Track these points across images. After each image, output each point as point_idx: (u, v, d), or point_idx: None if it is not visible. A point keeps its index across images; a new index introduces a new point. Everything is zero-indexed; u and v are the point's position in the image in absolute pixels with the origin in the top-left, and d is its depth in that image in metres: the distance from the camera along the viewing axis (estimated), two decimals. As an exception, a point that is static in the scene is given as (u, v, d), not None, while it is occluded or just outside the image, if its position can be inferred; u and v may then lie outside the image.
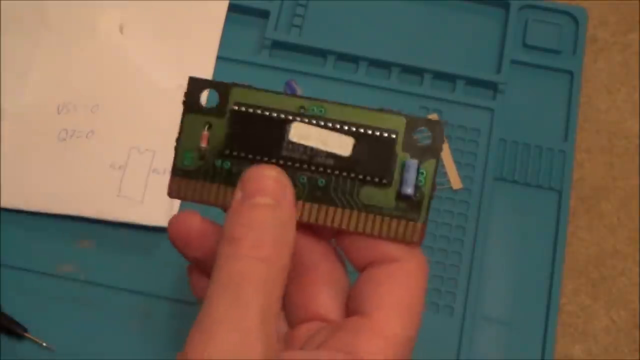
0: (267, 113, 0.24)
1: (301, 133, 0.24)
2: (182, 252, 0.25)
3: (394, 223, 0.23)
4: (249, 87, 0.24)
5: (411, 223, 0.23)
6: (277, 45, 0.46)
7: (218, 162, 0.24)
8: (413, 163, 0.23)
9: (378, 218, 0.23)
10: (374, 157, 0.24)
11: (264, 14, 0.46)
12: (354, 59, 0.46)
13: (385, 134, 0.24)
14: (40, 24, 0.46)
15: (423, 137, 0.24)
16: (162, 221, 0.41)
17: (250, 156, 0.24)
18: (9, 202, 0.42)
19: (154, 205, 0.41)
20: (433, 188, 0.23)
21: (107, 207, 0.41)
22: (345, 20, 0.47)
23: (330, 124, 0.24)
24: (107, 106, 0.44)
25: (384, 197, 0.24)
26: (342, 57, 0.46)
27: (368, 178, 0.24)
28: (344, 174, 0.24)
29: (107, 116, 0.43)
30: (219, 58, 0.45)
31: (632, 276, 0.43)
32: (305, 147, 0.24)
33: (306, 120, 0.24)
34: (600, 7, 0.48)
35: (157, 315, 0.41)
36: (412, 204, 0.23)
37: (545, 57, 0.46)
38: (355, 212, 0.23)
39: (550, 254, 0.42)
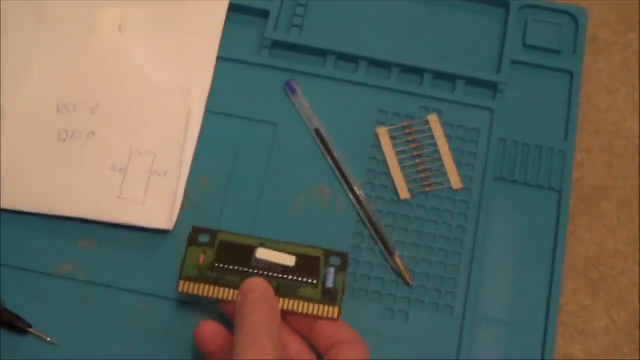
0: (241, 244, 0.39)
1: (263, 253, 0.39)
2: (200, 347, 0.37)
3: (322, 307, 0.38)
4: (230, 232, 0.40)
5: (331, 307, 0.38)
6: (277, 45, 0.46)
7: (209, 273, 0.39)
8: (331, 271, 0.39)
9: (311, 305, 0.38)
10: (307, 269, 0.39)
11: (264, 14, 0.46)
12: (354, 59, 0.46)
13: (314, 257, 0.39)
14: (40, 23, 0.46)
15: (336, 260, 0.39)
16: (163, 223, 0.41)
17: (230, 267, 0.39)
18: (9, 204, 0.42)
19: (155, 207, 0.41)
20: (343, 291, 0.39)
21: (108, 209, 0.41)
22: (345, 20, 0.47)
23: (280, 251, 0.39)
24: (108, 106, 0.44)
25: (314, 292, 0.38)
26: (342, 57, 0.46)
27: (304, 280, 0.39)
28: (290, 277, 0.39)
29: (108, 117, 0.43)
30: (219, 58, 0.45)
31: (632, 276, 0.43)
32: (266, 261, 0.39)
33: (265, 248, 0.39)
34: (600, 7, 0.48)
35: (157, 315, 0.41)
36: (332, 296, 0.38)
37: (545, 57, 0.46)
38: (297, 301, 0.38)
39: (550, 254, 0.42)
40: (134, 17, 0.46)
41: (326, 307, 0.38)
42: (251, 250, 0.39)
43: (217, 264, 0.39)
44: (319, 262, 0.39)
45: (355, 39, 0.46)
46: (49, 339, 0.40)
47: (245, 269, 0.39)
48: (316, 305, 0.38)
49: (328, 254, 0.39)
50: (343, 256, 0.39)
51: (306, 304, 0.38)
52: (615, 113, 0.47)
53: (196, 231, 0.40)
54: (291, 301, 0.38)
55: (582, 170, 0.45)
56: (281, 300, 0.38)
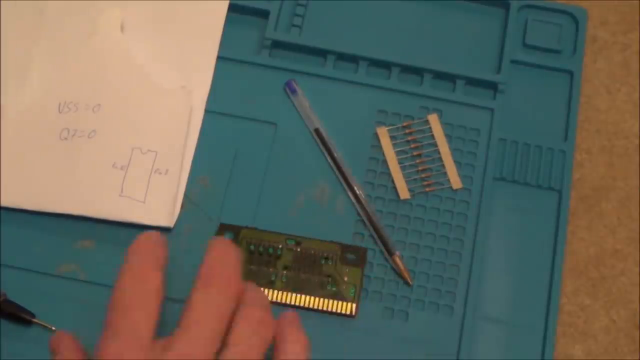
0: (264, 243, 0.41)
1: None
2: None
3: (337, 304, 0.40)
4: (253, 228, 0.41)
5: (347, 303, 0.40)
6: (277, 45, 0.46)
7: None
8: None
9: (327, 301, 0.40)
10: (323, 264, 0.41)
11: (264, 14, 0.46)
12: (354, 59, 0.46)
13: (331, 252, 0.41)
14: (41, 22, 0.46)
15: (352, 257, 0.41)
16: (163, 221, 0.41)
17: (252, 267, 0.41)
18: (10, 202, 0.42)
19: (156, 205, 0.41)
20: (361, 286, 0.41)
21: (109, 207, 0.41)
22: (345, 20, 0.47)
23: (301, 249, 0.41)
24: (109, 106, 0.44)
25: (330, 289, 0.41)
26: (342, 57, 0.46)
27: (320, 275, 0.41)
28: (306, 273, 0.41)
29: (109, 116, 0.43)
30: (219, 58, 0.45)
31: (632, 276, 0.43)
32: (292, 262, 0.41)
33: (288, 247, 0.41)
34: (600, 7, 0.48)
35: (157, 315, 0.41)
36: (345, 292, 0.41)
37: (545, 57, 0.46)
38: (313, 298, 0.40)
39: (550, 254, 0.42)
40: (134, 16, 0.46)
41: (342, 304, 0.40)
42: (275, 249, 0.41)
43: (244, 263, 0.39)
44: (336, 258, 0.41)
45: (355, 39, 0.46)
46: (53, 328, 0.40)
47: (271, 269, 0.41)
48: (332, 302, 0.40)
49: (345, 248, 0.41)
50: (360, 251, 0.41)
51: (322, 300, 0.40)
52: (615, 113, 0.47)
53: (222, 228, 0.41)
54: (307, 297, 0.40)
55: (582, 170, 0.45)
56: (297, 296, 0.40)
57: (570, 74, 0.46)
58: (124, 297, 0.33)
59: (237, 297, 0.34)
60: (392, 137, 0.44)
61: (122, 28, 0.46)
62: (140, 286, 0.33)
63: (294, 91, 0.45)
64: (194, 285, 0.33)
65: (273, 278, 0.41)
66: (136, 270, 0.34)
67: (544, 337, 0.41)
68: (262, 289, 0.39)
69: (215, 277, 0.33)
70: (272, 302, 0.40)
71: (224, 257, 0.34)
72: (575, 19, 0.47)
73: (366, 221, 0.42)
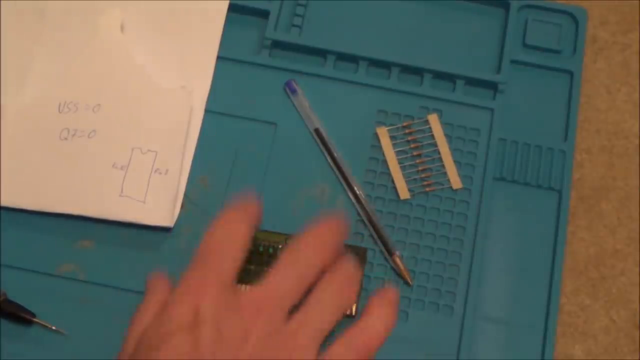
0: (264, 243, 0.41)
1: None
2: None
3: None
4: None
5: None
6: (277, 45, 0.46)
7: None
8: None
9: None
10: None
11: (264, 14, 0.46)
12: (354, 59, 0.46)
13: None
14: (41, 22, 0.46)
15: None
16: (163, 221, 0.41)
17: (252, 267, 0.40)
18: (11, 202, 0.42)
19: (156, 205, 0.42)
20: (361, 284, 0.40)
21: (109, 207, 0.41)
22: (345, 20, 0.47)
23: None
24: (109, 106, 0.44)
25: None
26: (342, 57, 0.46)
27: None
28: None
29: (109, 116, 0.43)
30: (219, 58, 0.45)
31: (632, 276, 0.43)
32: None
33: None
34: (600, 7, 0.48)
35: (157, 315, 0.41)
36: None
37: (545, 57, 0.46)
38: None
39: (550, 254, 0.42)
40: (134, 16, 0.46)
41: None
42: (274, 249, 0.41)
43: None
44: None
45: (355, 39, 0.46)
46: (54, 328, 0.40)
47: (267, 268, 0.40)
48: None
49: (345, 248, 0.40)
50: (360, 251, 0.41)
51: None
52: (615, 113, 0.47)
53: None
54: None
55: (582, 170, 0.45)
56: None
57: (570, 74, 0.46)
58: (214, 241, 0.34)
59: (326, 265, 0.34)
60: (392, 137, 0.44)
61: (122, 28, 0.46)
62: (229, 235, 0.34)
63: (294, 91, 0.45)
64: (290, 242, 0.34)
65: None
66: (228, 221, 0.34)
67: (544, 337, 0.41)
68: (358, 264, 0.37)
69: (310, 241, 0.34)
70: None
71: (329, 229, 0.35)
72: (575, 19, 0.47)
73: (366, 221, 0.42)
